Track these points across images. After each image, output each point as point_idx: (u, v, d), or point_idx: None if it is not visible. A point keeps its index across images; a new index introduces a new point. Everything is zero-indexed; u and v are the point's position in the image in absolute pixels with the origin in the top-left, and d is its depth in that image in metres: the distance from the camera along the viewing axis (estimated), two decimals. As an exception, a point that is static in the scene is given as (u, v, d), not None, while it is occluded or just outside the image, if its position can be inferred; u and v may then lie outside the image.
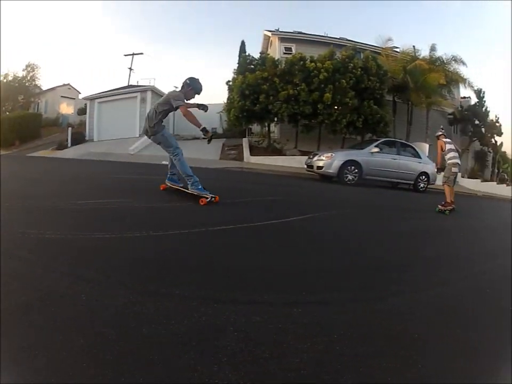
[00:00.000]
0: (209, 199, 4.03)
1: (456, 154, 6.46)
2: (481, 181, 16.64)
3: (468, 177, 16.85)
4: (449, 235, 4.52)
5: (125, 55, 22.89)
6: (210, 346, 1.39)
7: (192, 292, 1.83)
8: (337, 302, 1.96)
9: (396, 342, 1.64)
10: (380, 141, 10.04)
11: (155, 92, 17.10)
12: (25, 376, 1.19)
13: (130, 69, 22.21)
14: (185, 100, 4.18)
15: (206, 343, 1.41)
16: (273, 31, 17.30)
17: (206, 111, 4.62)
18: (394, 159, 9.65)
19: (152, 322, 1.51)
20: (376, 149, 9.38)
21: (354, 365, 1.40)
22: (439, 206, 6.20)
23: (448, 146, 6.50)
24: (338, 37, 17.05)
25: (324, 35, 17.07)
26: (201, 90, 4.33)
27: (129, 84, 21.03)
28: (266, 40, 19.33)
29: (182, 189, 4.48)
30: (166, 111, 4.21)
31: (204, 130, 4.06)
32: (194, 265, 2.22)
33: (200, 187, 4.15)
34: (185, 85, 4.26)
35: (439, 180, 8.63)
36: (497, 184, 18.06)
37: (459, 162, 6.38)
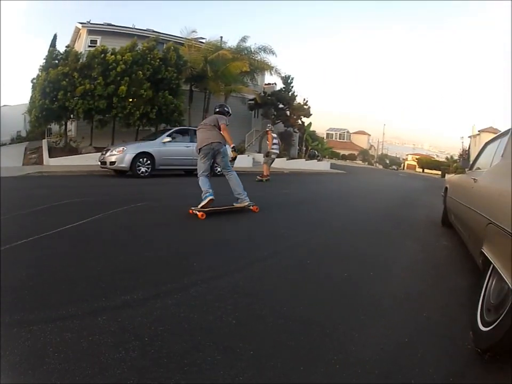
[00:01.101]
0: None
1: (277, 146, 10.75)
2: (287, 159, 19.01)
3: None
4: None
5: None
6: (40, 373, 1.34)
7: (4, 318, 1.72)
8: (141, 302, 2.00)
9: (213, 333, 1.75)
10: (172, 130, 10.49)
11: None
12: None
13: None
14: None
15: (32, 367, 1.37)
16: (84, 23, 16.55)
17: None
18: (188, 146, 9.82)
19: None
20: (168, 139, 9.77)
21: (178, 363, 1.47)
22: (258, 177, 10.15)
23: (274, 141, 10.45)
24: (145, 29, 17.26)
25: (131, 27, 16.96)
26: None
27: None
28: (76, 32, 18.46)
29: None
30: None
31: (233, 148, 5.05)
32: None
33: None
34: (226, 111, 5.29)
35: (237, 162, 11.07)
36: (306, 160, 21.48)
37: (278, 152, 10.60)
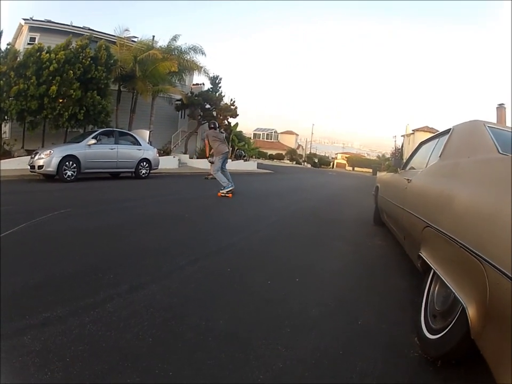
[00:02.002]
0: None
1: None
2: (210, 161, 18.95)
3: (198, 158, 18.66)
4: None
5: None
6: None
7: None
8: (60, 319, 1.91)
9: (130, 352, 1.66)
10: (97, 131, 10.15)
11: None
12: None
13: None
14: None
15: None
16: (27, 20, 15.34)
17: None
18: (112, 148, 9.87)
19: None
20: (93, 141, 9.49)
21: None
22: (206, 176, 11.23)
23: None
24: (81, 26, 16.44)
25: (69, 24, 16.11)
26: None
27: None
28: (19, 29, 17.00)
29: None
30: None
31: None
32: None
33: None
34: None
35: (163, 164, 12.08)
36: (232, 160, 20.95)
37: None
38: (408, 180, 3.24)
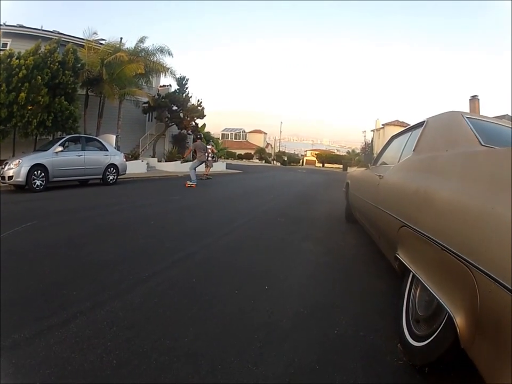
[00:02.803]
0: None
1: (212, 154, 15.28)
2: (181, 162, 18.13)
3: (167, 161, 18.23)
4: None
5: None
6: None
7: None
8: (27, 341, 1.83)
9: (95, 376, 1.59)
10: (64, 138, 9.80)
11: None
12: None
13: None
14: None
15: None
16: (1, 25, 14.27)
17: None
18: (79, 155, 9.60)
19: None
20: (60, 148, 9.16)
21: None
22: (200, 177, 13.12)
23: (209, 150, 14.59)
24: (51, 30, 15.80)
25: (39, 28, 15.45)
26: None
27: None
28: None
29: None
30: None
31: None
32: None
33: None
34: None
35: (132, 169, 12.58)
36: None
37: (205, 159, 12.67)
38: (380, 176, 3.09)
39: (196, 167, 11.46)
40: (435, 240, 1.53)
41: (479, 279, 1.16)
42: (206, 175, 14.48)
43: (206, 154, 13.23)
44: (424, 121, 2.75)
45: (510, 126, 2.45)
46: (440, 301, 1.43)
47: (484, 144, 1.86)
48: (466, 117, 2.26)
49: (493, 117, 2.80)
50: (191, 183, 10.76)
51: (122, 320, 2.07)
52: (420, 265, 1.78)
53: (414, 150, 2.60)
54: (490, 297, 1.10)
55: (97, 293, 2.44)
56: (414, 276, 1.90)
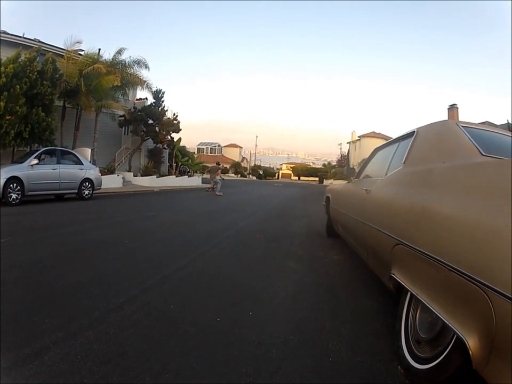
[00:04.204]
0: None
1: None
2: (157, 177, 18.27)
3: (142, 175, 18.15)
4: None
5: None
6: None
7: None
8: (4, 373, 1.65)
9: None
10: (40, 151, 9.52)
11: None
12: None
13: None
14: None
15: None
16: None
17: None
18: (55, 169, 9.35)
19: None
20: (36, 161, 8.89)
21: None
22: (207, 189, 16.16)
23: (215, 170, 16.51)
24: (32, 38, 15.36)
25: (20, 36, 14.93)
26: None
27: None
28: None
29: None
30: None
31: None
32: None
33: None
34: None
35: (107, 183, 11.83)
36: (176, 177, 20.79)
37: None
38: (366, 190, 2.96)
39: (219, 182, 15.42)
40: (439, 260, 1.44)
41: (494, 300, 1.09)
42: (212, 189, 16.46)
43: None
44: (414, 131, 2.60)
45: (507, 134, 2.38)
46: (447, 323, 1.35)
47: (484, 154, 1.77)
48: (462, 126, 2.15)
49: (478, 123, 2.72)
50: (217, 192, 14.76)
51: (97, 354, 1.86)
52: (420, 286, 1.68)
53: (404, 163, 2.46)
54: (509, 318, 1.03)
55: (70, 321, 2.23)
56: (412, 295, 1.82)
